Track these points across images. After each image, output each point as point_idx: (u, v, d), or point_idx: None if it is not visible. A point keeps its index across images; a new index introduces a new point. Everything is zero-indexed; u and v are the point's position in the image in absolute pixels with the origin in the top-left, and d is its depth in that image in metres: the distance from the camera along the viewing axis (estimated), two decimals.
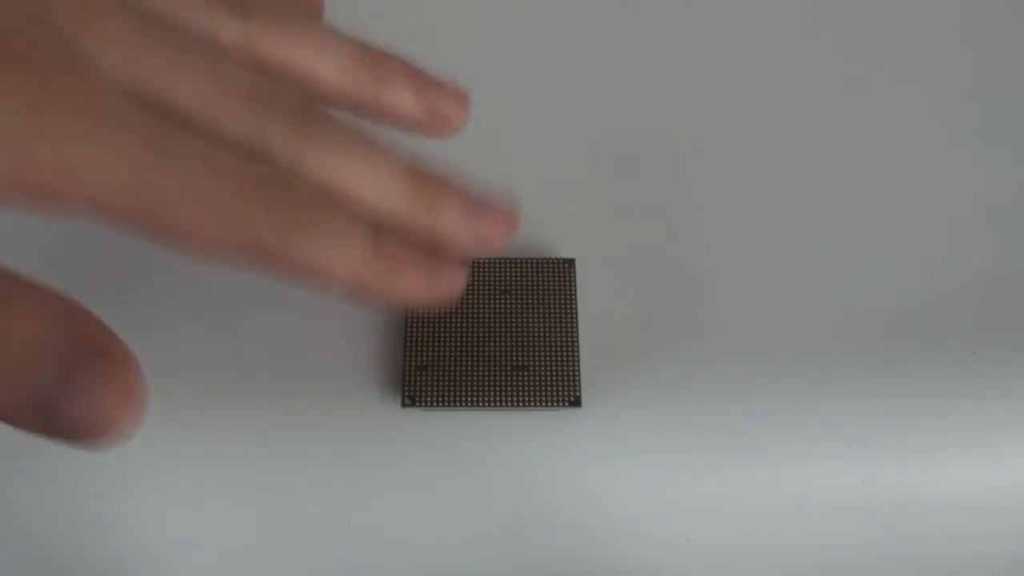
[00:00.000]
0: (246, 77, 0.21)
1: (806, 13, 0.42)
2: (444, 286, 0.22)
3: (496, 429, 0.35)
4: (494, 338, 0.34)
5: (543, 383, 0.33)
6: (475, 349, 0.34)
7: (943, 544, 0.34)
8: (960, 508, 0.34)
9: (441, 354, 0.34)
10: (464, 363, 0.34)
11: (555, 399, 0.33)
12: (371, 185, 0.21)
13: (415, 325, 0.34)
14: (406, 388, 0.33)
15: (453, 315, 0.34)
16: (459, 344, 0.34)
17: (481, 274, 0.35)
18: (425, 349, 0.34)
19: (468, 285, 0.35)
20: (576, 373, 0.33)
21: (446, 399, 0.33)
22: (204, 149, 0.19)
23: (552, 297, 0.35)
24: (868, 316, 0.36)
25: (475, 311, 0.34)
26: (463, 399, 0.33)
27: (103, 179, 0.17)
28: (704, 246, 0.37)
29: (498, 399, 0.33)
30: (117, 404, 0.17)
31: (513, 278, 0.35)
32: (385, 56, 0.24)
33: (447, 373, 0.33)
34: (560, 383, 0.33)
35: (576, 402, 0.33)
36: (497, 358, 0.34)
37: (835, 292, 0.37)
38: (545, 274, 0.35)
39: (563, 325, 0.34)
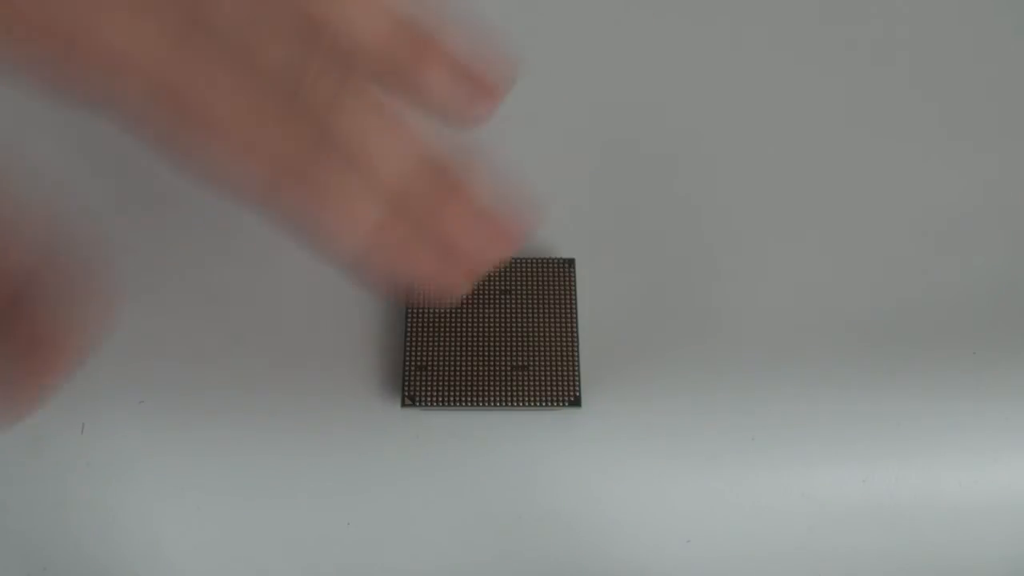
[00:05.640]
0: (289, 15, 0.19)
1: (807, 16, 0.42)
2: (447, 283, 0.22)
3: (496, 429, 0.35)
4: (494, 338, 0.34)
5: (543, 383, 0.33)
6: (475, 349, 0.34)
7: (944, 544, 0.34)
8: (960, 508, 0.34)
9: (441, 354, 0.34)
10: (464, 363, 0.33)
11: (555, 399, 0.33)
12: (392, 160, 0.21)
13: (415, 325, 0.34)
14: (406, 388, 0.33)
15: (453, 315, 0.34)
16: (459, 344, 0.34)
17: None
18: (425, 349, 0.34)
19: None
20: (576, 373, 0.33)
21: (446, 399, 0.33)
22: (239, 53, 0.18)
23: (552, 297, 0.35)
24: (868, 316, 0.36)
25: (475, 311, 0.34)
26: (463, 399, 0.33)
27: (136, 46, 0.17)
28: (704, 246, 0.37)
29: (498, 399, 0.33)
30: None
31: (513, 278, 0.35)
32: (429, 35, 0.23)
33: (447, 373, 0.33)
34: (560, 383, 0.33)
35: (576, 402, 0.33)
36: (497, 358, 0.34)
37: (835, 292, 0.37)
38: (545, 274, 0.35)
39: (563, 325, 0.34)
